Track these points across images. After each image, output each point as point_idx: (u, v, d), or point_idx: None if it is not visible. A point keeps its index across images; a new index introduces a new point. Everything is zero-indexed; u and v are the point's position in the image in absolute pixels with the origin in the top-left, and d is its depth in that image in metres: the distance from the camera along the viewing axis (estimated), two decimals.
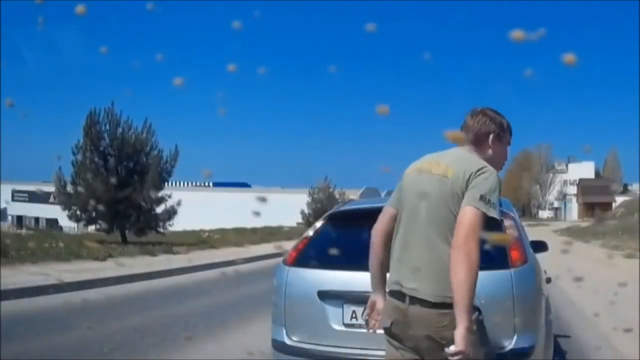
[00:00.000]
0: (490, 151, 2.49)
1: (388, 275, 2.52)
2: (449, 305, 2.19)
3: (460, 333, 2.13)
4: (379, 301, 2.60)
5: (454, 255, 2.20)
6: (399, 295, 2.37)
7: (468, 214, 2.24)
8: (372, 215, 4.10)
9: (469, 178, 2.31)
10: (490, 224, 3.14)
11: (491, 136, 2.49)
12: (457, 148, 2.48)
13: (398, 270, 2.41)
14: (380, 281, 2.62)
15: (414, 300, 2.31)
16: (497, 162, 2.49)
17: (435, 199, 2.36)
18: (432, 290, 2.27)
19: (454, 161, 2.39)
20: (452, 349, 2.13)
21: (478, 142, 2.48)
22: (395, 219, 2.53)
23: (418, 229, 2.38)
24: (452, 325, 2.14)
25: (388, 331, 2.43)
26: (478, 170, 2.32)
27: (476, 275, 2.18)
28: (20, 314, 6.90)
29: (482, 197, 2.26)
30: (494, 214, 2.27)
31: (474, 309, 2.23)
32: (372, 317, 2.64)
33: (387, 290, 2.49)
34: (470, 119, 2.52)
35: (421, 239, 2.36)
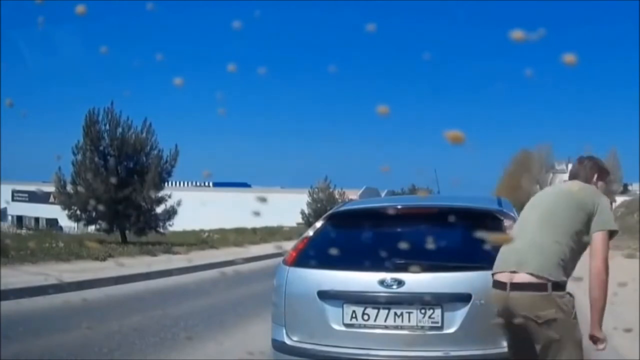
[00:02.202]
0: (596, 184, 3.16)
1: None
2: (544, 287, 2.75)
3: (600, 334, 2.85)
4: None
5: (596, 278, 2.79)
6: (499, 285, 2.89)
7: (603, 239, 2.85)
8: (372, 215, 4.12)
9: (597, 204, 2.92)
10: (491, 224, 3.14)
11: (595, 176, 3.17)
12: (573, 181, 3.18)
13: (504, 261, 2.93)
14: None
15: (513, 286, 2.81)
16: None
17: (554, 203, 3.01)
18: (535, 270, 2.78)
19: (579, 184, 3.10)
20: (600, 346, 2.88)
21: (587, 181, 3.14)
22: None
23: (531, 225, 2.96)
24: (546, 306, 2.74)
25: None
26: (601, 199, 2.97)
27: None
28: (20, 314, 6.89)
29: (613, 222, 2.91)
30: (616, 227, 2.94)
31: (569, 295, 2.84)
32: None
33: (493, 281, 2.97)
34: (580, 164, 3.23)
35: (532, 232, 2.90)
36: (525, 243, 2.85)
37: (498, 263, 2.97)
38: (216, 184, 53.02)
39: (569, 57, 1.38)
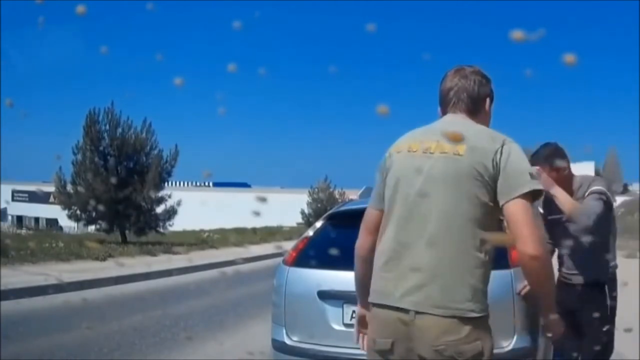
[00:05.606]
0: (487, 118, 2.11)
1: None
2: (463, 319, 1.86)
3: (555, 321, 2.14)
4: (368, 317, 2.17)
5: (533, 266, 1.88)
6: (398, 308, 1.91)
7: (524, 207, 1.84)
8: None
9: (495, 157, 1.87)
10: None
11: (487, 100, 2.10)
12: (450, 116, 2.06)
13: (393, 280, 1.93)
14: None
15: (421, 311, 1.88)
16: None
17: (448, 185, 1.89)
18: (443, 302, 1.85)
19: (464, 134, 1.93)
20: (548, 333, 2.25)
21: (474, 108, 2.06)
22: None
23: (423, 225, 1.90)
24: (471, 338, 1.88)
25: (386, 353, 1.94)
26: (503, 145, 1.89)
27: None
28: (20, 314, 6.89)
29: (532, 176, 1.87)
30: (540, 186, 1.93)
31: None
32: (364, 332, 2.22)
33: (377, 302, 1.99)
34: (463, 79, 2.06)
35: (428, 237, 1.88)
36: (422, 263, 1.89)
37: (385, 282, 1.97)
38: (216, 184, 53.04)
39: (569, 57, 1.38)
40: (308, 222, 32.61)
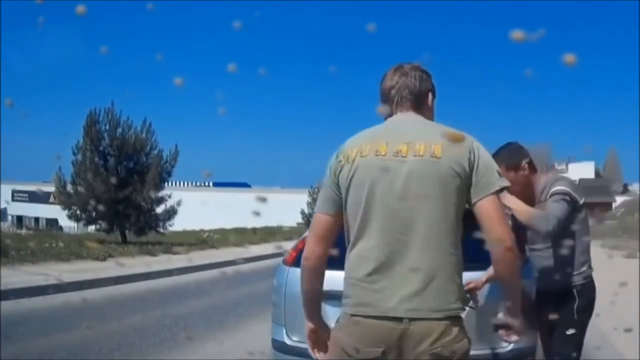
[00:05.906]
0: (431, 113, 2.06)
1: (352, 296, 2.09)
2: (455, 318, 1.89)
3: (520, 325, 2.06)
4: (320, 331, 2.32)
5: (508, 257, 1.88)
6: (389, 317, 1.88)
7: (497, 204, 1.88)
8: None
9: (470, 157, 1.88)
10: None
11: (430, 95, 2.05)
12: (402, 115, 2.01)
13: (384, 289, 1.91)
14: (319, 312, 2.32)
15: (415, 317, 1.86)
16: None
17: (430, 187, 1.86)
18: (439, 305, 1.86)
19: (433, 135, 1.90)
20: (513, 337, 2.12)
21: (418, 104, 2.01)
22: (335, 228, 2.13)
23: (410, 230, 1.87)
24: (460, 336, 1.88)
25: None
26: (472, 144, 1.91)
27: None
28: (20, 314, 6.89)
29: (499, 173, 1.91)
30: (508, 182, 1.96)
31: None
32: (318, 346, 2.31)
33: (364, 314, 1.97)
34: (403, 76, 2.02)
35: (418, 242, 1.87)
36: (411, 271, 1.88)
37: (366, 293, 2.00)
38: (216, 184, 53.05)
39: (569, 57, 1.38)
40: (308, 222, 32.57)
